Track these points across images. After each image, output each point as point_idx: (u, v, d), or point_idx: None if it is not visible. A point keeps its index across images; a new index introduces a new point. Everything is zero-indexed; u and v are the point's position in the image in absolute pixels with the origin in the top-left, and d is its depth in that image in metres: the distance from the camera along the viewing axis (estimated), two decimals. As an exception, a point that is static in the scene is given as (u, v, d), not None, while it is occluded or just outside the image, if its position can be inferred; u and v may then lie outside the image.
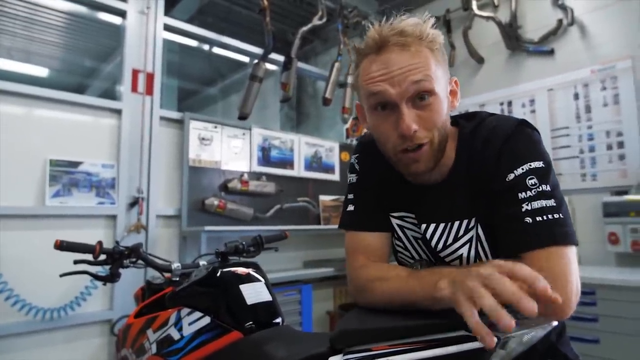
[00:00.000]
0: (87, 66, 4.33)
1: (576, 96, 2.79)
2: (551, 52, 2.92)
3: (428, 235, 0.96)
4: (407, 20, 0.87)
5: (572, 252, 0.75)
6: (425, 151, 0.87)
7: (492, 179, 0.85)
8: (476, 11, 3.17)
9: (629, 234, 2.39)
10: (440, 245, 0.95)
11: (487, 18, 3.13)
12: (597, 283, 2.07)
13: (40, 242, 2.12)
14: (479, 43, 3.29)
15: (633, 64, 2.55)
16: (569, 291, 0.71)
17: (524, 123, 0.88)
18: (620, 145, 2.60)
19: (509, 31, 3.06)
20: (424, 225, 0.96)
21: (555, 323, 0.62)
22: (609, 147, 2.63)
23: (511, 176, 0.82)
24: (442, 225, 0.94)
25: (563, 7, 2.83)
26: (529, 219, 0.77)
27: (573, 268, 0.73)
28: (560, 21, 2.85)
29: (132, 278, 2.19)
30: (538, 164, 0.81)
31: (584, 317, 2.08)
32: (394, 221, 1.03)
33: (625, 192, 2.48)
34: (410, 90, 0.84)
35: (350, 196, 1.06)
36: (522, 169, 0.81)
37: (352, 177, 1.08)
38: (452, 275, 0.68)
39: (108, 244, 1.38)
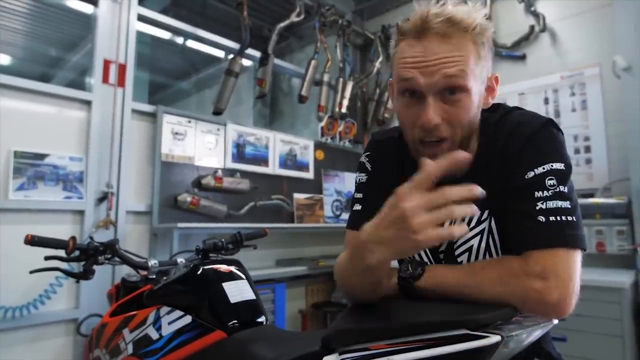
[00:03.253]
0: (52, 55, 4.15)
1: (546, 101, 2.88)
2: (523, 57, 3.00)
3: None
4: (458, 7, 0.83)
5: (578, 256, 0.75)
6: (445, 148, 0.84)
7: (511, 174, 0.84)
8: (452, 14, 3.21)
9: (594, 235, 2.49)
10: None
11: (462, 22, 3.18)
12: (564, 283, 2.15)
13: (2, 237, 2.00)
14: (454, 46, 3.34)
15: (601, 71, 2.65)
16: (570, 290, 0.71)
17: (550, 122, 0.87)
18: (587, 149, 2.69)
19: (483, 35, 3.13)
20: None
21: (555, 321, 0.62)
22: (577, 151, 2.73)
23: (531, 174, 0.81)
24: None
25: (535, 14, 2.91)
26: (542, 218, 0.76)
27: (576, 270, 0.74)
28: (532, 27, 2.94)
29: (98, 275, 2.10)
30: (559, 166, 0.80)
31: (553, 315, 2.15)
32: None
33: (592, 195, 2.58)
34: (440, 83, 0.81)
35: (359, 195, 1.03)
36: (543, 168, 0.80)
37: (362, 177, 1.04)
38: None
39: (78, 240, 1.32)
